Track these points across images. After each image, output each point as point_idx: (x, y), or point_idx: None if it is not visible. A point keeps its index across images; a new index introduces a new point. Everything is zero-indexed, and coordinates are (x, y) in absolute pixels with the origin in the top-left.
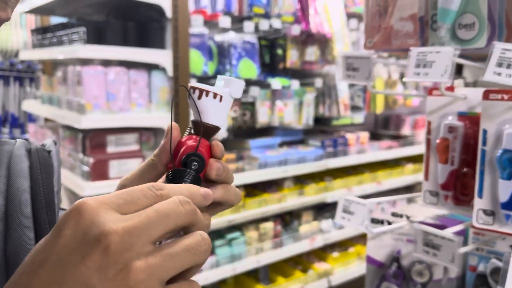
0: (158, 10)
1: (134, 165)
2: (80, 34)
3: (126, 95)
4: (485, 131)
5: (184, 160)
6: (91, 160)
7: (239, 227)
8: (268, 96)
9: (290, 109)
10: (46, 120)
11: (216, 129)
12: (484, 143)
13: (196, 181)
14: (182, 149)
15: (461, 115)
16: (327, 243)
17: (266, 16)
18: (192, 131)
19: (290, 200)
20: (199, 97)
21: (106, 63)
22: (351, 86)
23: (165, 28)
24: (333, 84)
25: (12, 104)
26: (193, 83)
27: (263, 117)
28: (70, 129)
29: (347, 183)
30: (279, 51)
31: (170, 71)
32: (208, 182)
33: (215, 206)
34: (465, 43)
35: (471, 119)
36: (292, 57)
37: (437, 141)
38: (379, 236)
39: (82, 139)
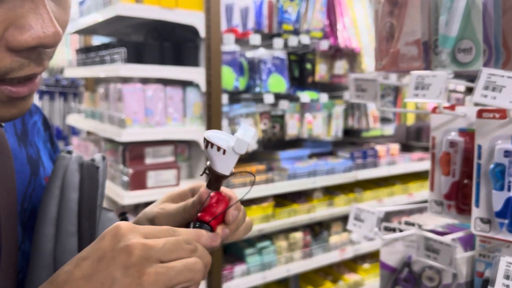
0: (192, 31)
1: (169, 176)
2: (121, 54)
3: (162, 110)
4: (479, 146)
5: (200, 223)
6: (130, 170)
7: (269, 236)
8: (297, 109)
9: (319, 122)
10: (88, 133)
11: (222, 176)
12: (479, 157)
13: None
14: (201, 213)
15: (462, 131)
16: (357, 254)
17: (295, 32)
18: (207, 171)
19: (319, 210)
20: (206, 147)
21: (145, 80)
22: (381, 98)
23: (199, 47)
24: None
25: (57, 118)
26: (208, 132)
27: (292, 129)
28: (111, 142)
29: (378, 194)
30: (308, 66)
31: (203, 87)
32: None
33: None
34: (464, 66)
35: (471, 135)
36: (321, 71)
37: (440, 155)
38: (391, 243)
39: (122, 151)
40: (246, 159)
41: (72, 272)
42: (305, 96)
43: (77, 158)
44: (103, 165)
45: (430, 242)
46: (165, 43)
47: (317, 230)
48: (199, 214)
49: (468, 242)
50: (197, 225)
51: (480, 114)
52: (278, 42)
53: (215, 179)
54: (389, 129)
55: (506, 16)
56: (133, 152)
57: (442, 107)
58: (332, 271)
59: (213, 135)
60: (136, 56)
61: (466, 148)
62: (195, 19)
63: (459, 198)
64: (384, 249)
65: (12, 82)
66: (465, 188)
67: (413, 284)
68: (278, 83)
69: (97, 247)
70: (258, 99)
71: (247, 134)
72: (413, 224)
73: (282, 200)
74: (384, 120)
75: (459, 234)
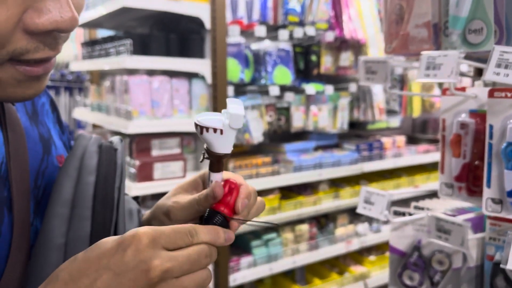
0: (197, 22)
1: (176, 167)
2: (127, 46)
3: (169, 102)
4: (491, 126)
5: (211, 213)
6: (137, 162)
7: (275, 228)
8: (302, 101)
9: (325, 114)
10: (94, 126)
11: (223, 156)
12: (491, 137)
13: (223, 222)
14: (215, 204)
15: (472, 113)
16: (363, 246)
17: (301, 24)
18: (206, 155)
19: (325, 203)
20: (201, 132)
21: (151, 72)
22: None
23: (204, 39)
24: (368, 88)
25: (62, 112)
26: (198, 118)
27: (297, 121)
28: (118, 134)
29: (384, 186)
30: (313, 58)
31: (209, 79)
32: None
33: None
34: (475, 47)
35: (482, 116)
36: (326, 63)
37: (451, 137)
38: (401, 227)
39: (129, 143)
40: (252, 151)
41: (95, 283)
42: (311, 88)
43: (96, 139)
44: (121, 146)
45: (441, 222)
46: (170, 34)
47: (323, 222)
48: (213, 205)
49: (478, 226)
50: (211, 213)
51: (491, 93)
52: (283, 33)
53: (217, 161)
54: (395, 121)
55: None
56: (140, 144)
57: (453, 87)
58: (338, 263)
59: (204, 118)
60: (142, 48)
61: (477, 129)
62: (201, 10)
63: (470, 180)
64: (393, 233)
65: (28, 63)
66: (476, 170)
67: (422, 268)
68: (283, 75)
69: (121, 259)
70: (264, 91)
71: (238, 107)
72: (422, 209)
73: (288, 192)
74: (390, 112)
75: (469, 215)
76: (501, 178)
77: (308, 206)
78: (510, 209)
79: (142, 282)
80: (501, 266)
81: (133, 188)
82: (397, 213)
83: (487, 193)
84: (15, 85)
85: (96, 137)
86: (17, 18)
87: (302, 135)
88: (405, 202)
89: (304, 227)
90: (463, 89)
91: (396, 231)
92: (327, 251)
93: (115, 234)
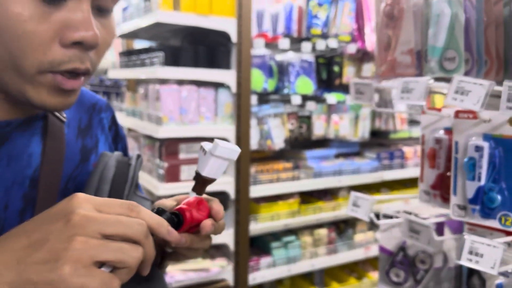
0: (225, 36)
1: None
2: (159, 58)
3: (196, 109)
4: (456, 143)
5: (163, 211)
6: (165, 164)
7: (294, 231)
8: (324, 110)
9: (346, 122)
10: (129, 130)
11: (201, 177)
12: (457, 152)
13: (171, 221)
14: (180, 207)
15: (447, 130)
16: None
17: (323, 36)
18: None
19: (344, 209)
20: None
21: (180, 82)
22: None
23: (231, 51)
24: (389, 98)
25: None
26: (216, 141)
27: (319, 129)
28: (149, 138)
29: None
30: (336, 68)
31: (234, 89)
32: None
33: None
34: (450, 72)
35: None
36: (348, 73)
37: (427, 150)
38: (389, 229)
39: (159, 146)
40: (273, 157)
41: (19, 227)
42: (332, 97)
43: (116, 156)
44: (136, 162)
45: (412, 224)
46: (199, 47)
47: (341, 227)
48: (176, 207)
49: (458, 229)
50: (161, 210)
51: (457, 114)
52: (306, 46)
53: (197, 182)
54: (417, 132)
55: (489, 29)
56: (169, 148)
57: (425, 108)
58: (357, 268)
59: (218, 144)
60: (173, 59)
61: (450, 144)
62: (228, 25)
63: (443, 188)
64: (383, 235)
65: (63, 75)
66: (448, 180)
67: (407, 267)
68: (305, 85)
69: (49, 209)
70: (286, 100)
71: (227, 144)
72: (410, 213)
73: (308, 197)
74: (413, 122)
75: (439, 218)
76: (465, 188)
77: (327, 211)
78: (472, 214)
79: (59, 224)
80: (455, 261)
81: (161, 188)
82: (386, 216)
83: (454, 200)
84: (49, 93)
85: (117, 153)
86: (55, 32)
87: (323, 142)
88: None
89: (323, 232)
90: (439, 109)
91: (384, 233)
92: (345, 256)
93: None
